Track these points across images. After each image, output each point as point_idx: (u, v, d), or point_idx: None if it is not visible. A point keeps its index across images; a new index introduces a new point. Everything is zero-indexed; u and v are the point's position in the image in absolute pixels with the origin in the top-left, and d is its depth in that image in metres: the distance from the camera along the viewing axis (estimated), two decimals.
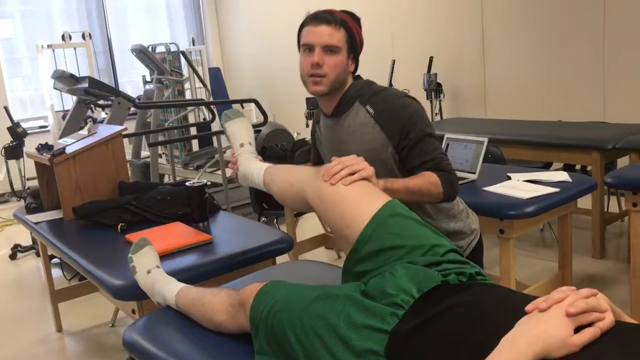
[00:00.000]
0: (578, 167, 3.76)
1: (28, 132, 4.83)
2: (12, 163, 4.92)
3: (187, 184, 2.24)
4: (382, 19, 5.89)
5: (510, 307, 0.94)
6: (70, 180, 2.44)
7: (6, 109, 5.02)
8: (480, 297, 1.03)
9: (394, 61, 5.55)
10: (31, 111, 6.96)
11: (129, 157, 5.02)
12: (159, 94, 5.10)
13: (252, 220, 2.46)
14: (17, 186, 5.32)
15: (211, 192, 2.49)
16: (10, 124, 4.62)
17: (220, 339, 1.39)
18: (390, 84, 5.44)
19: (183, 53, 5.64)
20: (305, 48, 1.72)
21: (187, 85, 6.16)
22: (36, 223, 2.46)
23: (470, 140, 2.64)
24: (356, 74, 1.82)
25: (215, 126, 5.36)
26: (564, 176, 2.48)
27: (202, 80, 5.79)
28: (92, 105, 4.39)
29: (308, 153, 3.44)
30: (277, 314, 1.19)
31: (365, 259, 1.24)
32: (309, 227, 4.23)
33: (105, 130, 2.60)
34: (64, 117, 4.95)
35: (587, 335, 0.81)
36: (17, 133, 4.55)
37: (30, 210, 2.67)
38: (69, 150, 2.46)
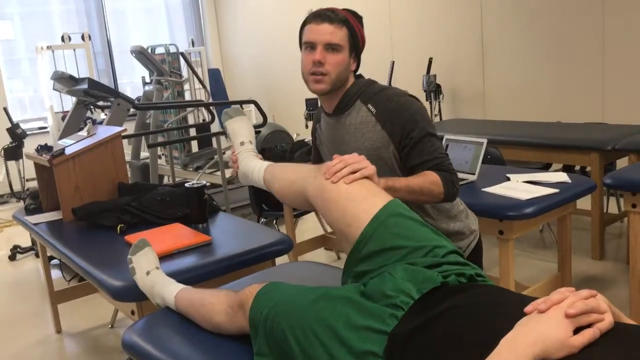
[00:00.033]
0: (577, 168, 3.76)
1: (27, 133, 4.83)
2: (12, 164, 4.92)
3: (186, 185, 2.24)
4: (381, 20, 5.90)
5: (509, 309, 0.94)
6: (70, 181, 2.44)
7: (5, 110, 5.02)
8: (480, 298, 1.03)
9: (393, 62, 5.55)
10: (30, 112, 6.97)
11: (128, 158, 5.02)
12: (158, 95, 5.10)
13: (251, 221, 2.46)
14: (17, 187, 5.32)
15: (210, 193, 2.48)
16: (9, 125, 4.62)
17: (219, 340, 1.39)
18: (390, 85, 5.44)
19: (182, 54, 5.64)
20: (307, 46, 1.71)
21: (186, 87, 6.16)
22: (35, 224, 2.46)
23: (470, 141, 2.64)
24: (357, 73, 1.82)
25: (214, 127, 5.36)
26: (563, 177, 2.48)
27: (201, 82, 5.79)
28: (91, 107, 4.39)
29: (307, 154, 3.44)
30: (277, 316, 1.19)
31: (365, 258, 1.23)
32: (308, 228, 4.23)
33: (105, 131, 2.60)
34: (63, 118, 4.95)
35: (586, 336, 0.81)
36: (17, 134, 4.56)
37: (29, 211, 2.67)
38: (68, 151, 2.46)
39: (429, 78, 5.30)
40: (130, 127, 4.53)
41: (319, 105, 1.90)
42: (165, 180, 5.58)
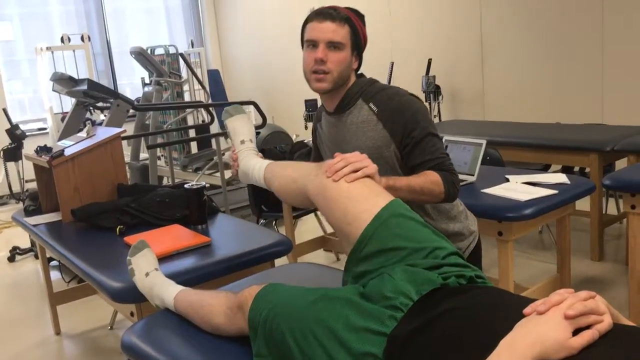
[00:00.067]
0: (576, 169, 3.76)
1: (27, 134, 4.84)
2: (11, 165, 4.92)
3: (185, 186, 2.24)
4: (381, 21, 5.90)
5: (508, 310, 0.94)
6: (69, 183, 2.43)
7: (5, 111, 5.02)
8: (479, 299, 1.03)
9: (392, 63, 5.55)
10: (30, 113, 6.96)
11: (127, 159, 5.02)
12: (157, 96, 5.10)
13: (250, 222, 2.46)
14: (16, 188, 5.31)
15: (210, 194, 2.48)
16: (9, 126, 4.62)
17: (218, 342, 1.39)
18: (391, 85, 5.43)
19: (182, 55, 5.64)
20: (309, 44, 1.70)
21: (185, 88, 6.16)
22: (35, 225, 2.46)
23: (469, 143, 2.65)
24: (362, 68, 1.81)
25: (214, 128, 5.36)
26: (562, 178, 2.48)
27: (200, 83, 5.79)
28: (91, 108, 4.39)
29: (307, 155, 3.44)
30: (276, 317, 1.19)
31: (366, 258, 1.23)
32: (307, 229, 4.23)
33: (104, 133, 2.60)
34: (62, 120, 4.95)
35: (585, 337, 0.81)
36: (16, 135, 4.56)
37: (28, 212, 2.67)
38: (67, 152, 2.46)
39: (428, 79, 5.31)
40: (129, 128, 4.53)
41: (320, 104, 1.90)
42: (165, 182, 5.58)
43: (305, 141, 3.81)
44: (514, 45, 4.98)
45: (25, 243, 4.49)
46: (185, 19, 8.09)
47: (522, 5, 4.85)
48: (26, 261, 4.32)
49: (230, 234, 2.14)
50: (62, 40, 6.24)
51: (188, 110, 5.83)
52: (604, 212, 3.55)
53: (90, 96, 3.85)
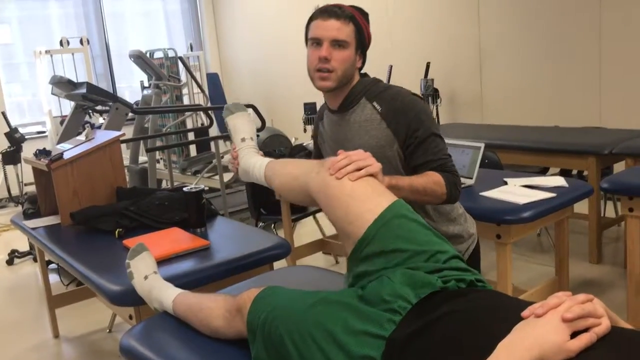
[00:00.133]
0: (574, 172, 3.77)
1: (26, 137, 4.84)
2: (10, 168, 4.92)
3: (184, 189, 2.24)
4: (380, 24, 5.91)
5: (506, 313, 0.94)
6: (68, 186, 2.43)
7: (4, 114, 5.02)
8: (477, 303, 1.03)
9: (391, 66, 5.56)
10: (29, 117, 6.96)
11: (126, 162, 5.02)
12: (156, 100, 5.10)
13: (249, 225, 2.46)
14: (15, 192, 5.31)
15: (209, 197, 2.48)
16: (7, 130, 4.62)
17: (217, 345, 1.39)
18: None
19: (181, 58, 5.64)
20: (313, 42, 1.69)
21: (185, 91, 6.16)
22: (33, 228, 2.46)
23: (467, 146, 2.65)
24: (362, 71, 1.81)
25: (213, 131, 5.36)
26: (560, 181, 2.49)
27: (200, 86, 5.79)
28: (89, 111, 4.39)
29: (306, 158, 3.44)
30: (275, 320, 1.19)
31: (366, 258, 1.22)
32: (306, 232, 4.23)
33: (103, 136, 2.60)
34: (61, 123, 4.96)
35: (583, 340, 0.81)
36: (15, 138, 4.56)
37: (27, 215, 2.67)
38: (66, 155, 2.46)
39: (426, 82, 5.31)
40: (128, 132, 4.53)
41: (322, 103, 1.89)
42: (164, 185, 5.58)
43: (305, 144, 3.81)
44: (512, 49, 4.99)
45: (24, 246, 4.49)
46: (185, 22, 8.10)
47: (521, 8, 4.86)
48: (25, 264, 4.31)
49: (229, 237, 2.14)
50: (61, 43, 6.25)
51: (187, 113, 5.82)
52: (602, 215, 3.55)
53: (89, 99, 3.85)
